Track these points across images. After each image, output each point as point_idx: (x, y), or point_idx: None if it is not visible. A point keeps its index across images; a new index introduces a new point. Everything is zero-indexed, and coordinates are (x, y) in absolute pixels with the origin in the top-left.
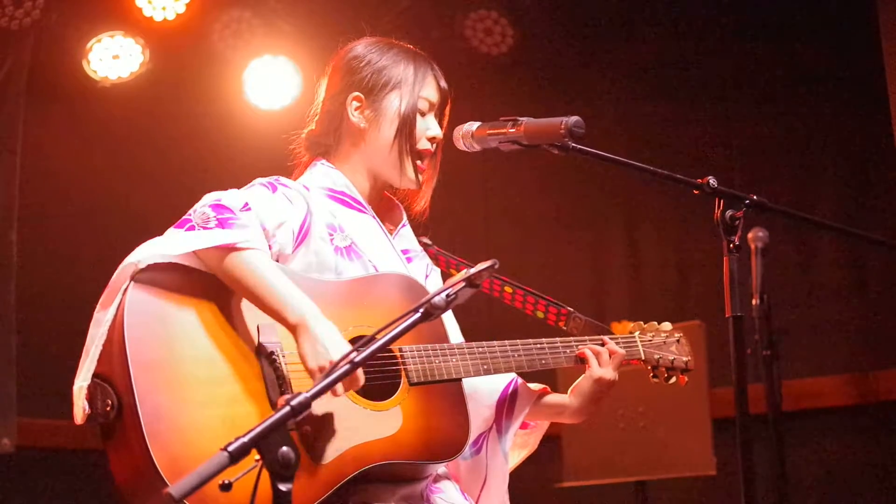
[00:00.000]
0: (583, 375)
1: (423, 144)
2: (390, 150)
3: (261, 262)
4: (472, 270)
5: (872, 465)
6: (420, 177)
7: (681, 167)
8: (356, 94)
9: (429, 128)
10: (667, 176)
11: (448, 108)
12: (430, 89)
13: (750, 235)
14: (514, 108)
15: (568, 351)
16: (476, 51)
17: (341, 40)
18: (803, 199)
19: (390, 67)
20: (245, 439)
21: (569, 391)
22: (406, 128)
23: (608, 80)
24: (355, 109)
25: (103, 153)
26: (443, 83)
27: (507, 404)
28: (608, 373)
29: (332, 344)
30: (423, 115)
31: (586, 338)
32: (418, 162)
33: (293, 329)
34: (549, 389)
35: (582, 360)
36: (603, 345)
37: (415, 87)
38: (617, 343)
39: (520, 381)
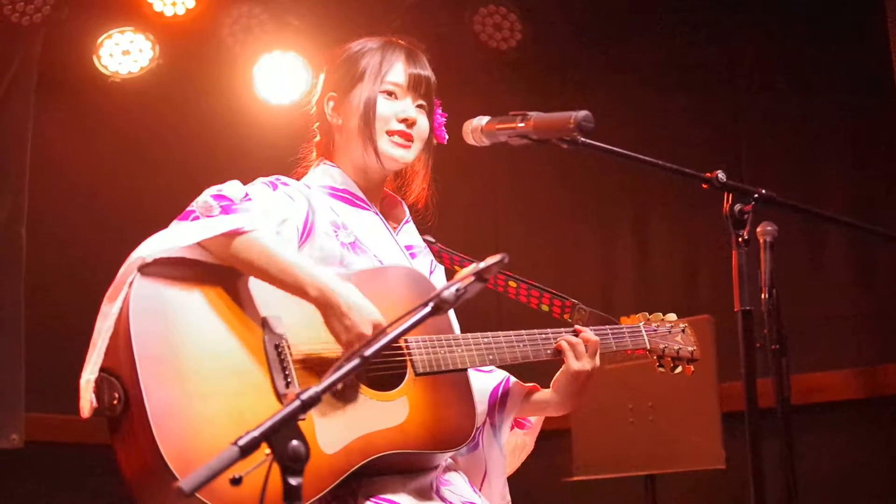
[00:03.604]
0: (560, 370)
1: (394, 126)
2: (358, 138)
3: (269, 241)
4: (482, 265)
5: (881, 459)
6: (393, 151)
7: (689, 161)
8: (330, 94)
9: (398, 110)
10: (675, 170)
11: (432, 92)
12: (396, 73)
13: (759, 229)
14: (523, 102)
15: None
16: (485, 46)
17: (347, 38)
18: (812, 194)
19: (357, 61)
20: (255, 433)
21: (550, 385)
22: (366, 113)
23: (617, 74)
24: (332, 109)
25: (113, 148)
26: (414, 67)
27: (499, 399)
28: (585, 364)
29: (357, 313)
30: (394, 97)
31: (590, 328)
32: (395, 139)
33: (316, 304)
34: (538, 387)
35: (559, 353)
36: (577, 334)
37: (379, 73)
38: (620, 333)
39: (512, 378)
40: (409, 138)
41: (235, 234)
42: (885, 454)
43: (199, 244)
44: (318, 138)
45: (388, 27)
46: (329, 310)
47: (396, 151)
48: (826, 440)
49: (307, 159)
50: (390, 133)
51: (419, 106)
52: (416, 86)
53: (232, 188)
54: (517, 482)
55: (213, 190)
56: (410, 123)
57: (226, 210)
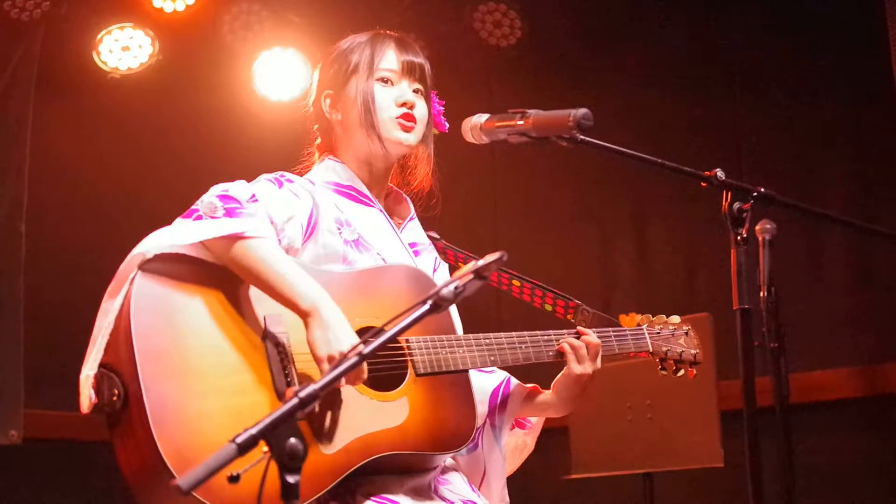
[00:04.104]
0: (562, 372)
1: (394, 112)
2: (359, 128)
3: (269, 249)
4: (481, 262)
5: (880, 458)
6: (397, 134)
7: (689, 159)
8: (327, 91)
9: (396, 96)
10: (675, 168)
11: (427, 77)
12: (389, 60)
13: (757, 228)
14: (523, 100)
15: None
16: (485, 43)
17: (346, 35)
18: (811, 192)
19: (349, 56)
20: (253, 431)
21: (551, 386)
22: (366, 103)
23: (617, 72)
24: (329, 106)
25: (113, 144)
26: (406, 53)
27: (499, 400)
28: (587, 368)
29: (343, 332)
30: (389, 84)
31: (592, 330)
32: (395, 126)
33: (304, 316)
34: (539, 388)
35: (561, 355)
36: (579, 336)
37: (373, 63)
38: (623, 335)
39: (512, 379)
40: (412, 120)
41: (237, 237)
42: (884, 453)
43: (200, 243)
44: (318, 140)
45: (387, 24)
46: (315, 322)
47: (400, 134)
48: (824, 439)
49: (309, 161)
50: (390, 119)
51: (416, 91)
52: (409, 71)
53: (238, 189)
54: (515, 480)
55: (219, 189)
56: (410, 106)
57: (230, 213)
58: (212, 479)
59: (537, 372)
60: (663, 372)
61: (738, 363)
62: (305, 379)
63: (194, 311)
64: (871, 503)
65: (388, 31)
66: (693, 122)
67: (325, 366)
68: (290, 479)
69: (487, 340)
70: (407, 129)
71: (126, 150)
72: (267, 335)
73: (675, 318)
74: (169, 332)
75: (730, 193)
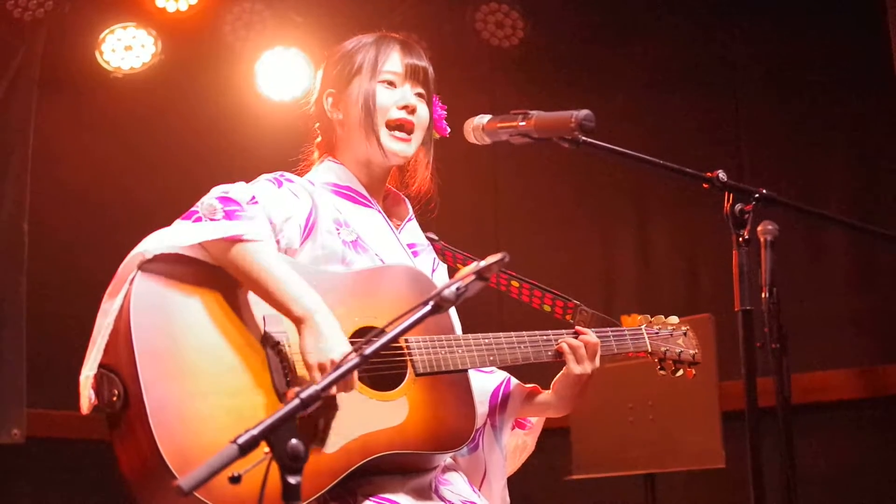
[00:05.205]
0: (561, 372)
1: (395, 114)
2: (359, 129)
3: (267, 254)
4: (483, 263)
5: (881, 459)
6: (394, 146)
7: (690, 161)
8: (329, 90)
9: (398, 98)
10: (677, 170)
11: (430, 81)
12: (393, 63)
13: (759, 229)
14: (525, 101)
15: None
16: (487, 43)
17: (348, 34)
18: (813, 193)
19: (353, 56)
20: (255, 432)
21: (551, 386)
22: (367, 104)
23: (618, 73)
24: (331, 105)
25: (115, 144)
26: (410, 57)
27: (500, 400)
28: (586, 367)
29: (335, 341)
30: (392, 86)
31: (591, 330)
32: (395, 133)
33: (297, 322)
34: (539, 388)
35: (560, 355)
36: (578, 336)
37: (376, 65)
38: (622, 335)
39: (512, 379)
40: (410, 128)
41: (235, 240)
42: (886, 454)
43: (199, 245)
44: (319, 139)
45: (389, 24)
46: (308, 329)
47: (397, 146)
48: (826, 440)
49: (308, 159)
50: (391, 125)
51: (418, 94)
52: (413, 74)
53: (238, 191)
54: (516, 481)
55: (219, 191)
56: (411, 110)
57: (229, 215)
58: (213, 480)
59: (537, 372)
60: (662, 372)
61: (740, 364)
62: (305, 379)
63: (194, 311)
64: None
65: (393, 34)
66: (695, 124)
67: (316, 374)
68: (292, 479)
69: (487, 340)
70: (404, 141)
71: (128, 150)
72: (266, 335)
73: (674, 319)
74: (168, 332)
75: (731, 195)
